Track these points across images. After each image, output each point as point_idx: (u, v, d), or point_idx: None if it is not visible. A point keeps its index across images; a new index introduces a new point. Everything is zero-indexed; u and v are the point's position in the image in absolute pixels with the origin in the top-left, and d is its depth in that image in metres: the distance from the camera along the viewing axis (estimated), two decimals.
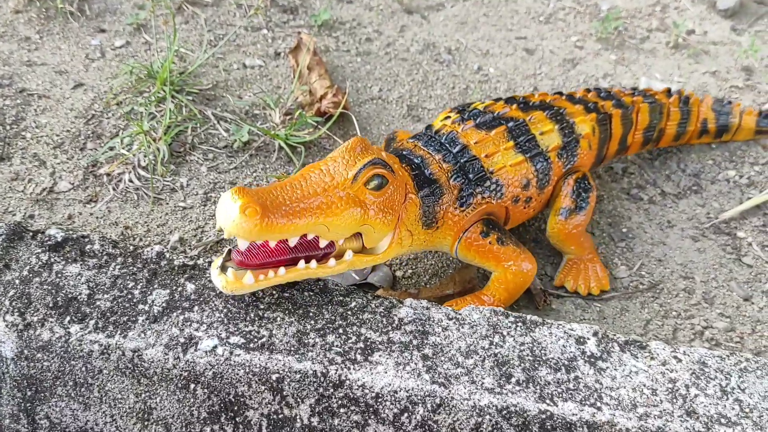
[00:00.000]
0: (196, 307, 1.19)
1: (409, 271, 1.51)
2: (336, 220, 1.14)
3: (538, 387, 1.14)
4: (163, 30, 1.95)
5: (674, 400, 1.14)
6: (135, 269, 1.23)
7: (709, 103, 1.79)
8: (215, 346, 1.14)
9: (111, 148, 1.62)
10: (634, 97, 1.66)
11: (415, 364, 1.16)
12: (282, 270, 1.14)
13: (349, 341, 1.17)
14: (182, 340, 1.14)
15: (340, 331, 1.19)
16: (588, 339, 1.22)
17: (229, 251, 1.17)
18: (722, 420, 1.13)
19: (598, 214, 1.67)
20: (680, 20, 2.24)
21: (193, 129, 1.69)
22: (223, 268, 1.13)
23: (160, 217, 1.52)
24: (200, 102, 1.77)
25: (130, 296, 1.19)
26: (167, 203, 1.55)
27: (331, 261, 1.19)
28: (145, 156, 1.61)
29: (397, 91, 1.93)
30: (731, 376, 1.19)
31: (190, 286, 1.22)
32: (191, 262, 1.25)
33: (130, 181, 1.56)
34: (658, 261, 1.59)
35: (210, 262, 1.24)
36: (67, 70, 1.83)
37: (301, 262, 1.16)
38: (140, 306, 1.18)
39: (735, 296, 1.53)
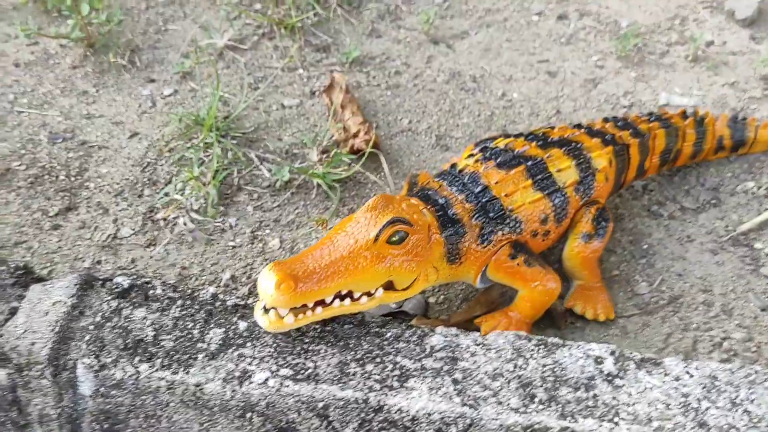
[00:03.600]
0: (248, 343, 1.33)
1: (441, 296, 1.63)
2: (363, 278, 1.29)
3: (559, 406, 1.25)
4: (206, 77, 2.11)
5: (687, 414, 1.24)
6: (193, 310, 1.39)
7: (724, 120, 1.86)
8: (267, 379, 1.28)
9: (166, 194, 1.78)
10: (650, 124, 1.74)
11: (447, 388, 1.28)
12: (319, 309, 1.28)
13: (386, 369, 1.30)
14: (237, 374, 1.29)
15: (378, 360, 1.32)
16: (605, 358, 1.32)
17: None
18: (732, 431, 1.22)
19: (620, 233, 1.76)
20: (699, 32, 2.30)
21: (238, 171, 1.84)
22: (266, 309, 1.28)
23: (213, 257, 1.67)
24: (244, 144, 1.92)
25: (190, 336, 1.34)
26: (218, 243, 1.70)
27: (363, 299, 1.32)
28: (196, 200, 1.76)
29: (426, 122, 2.05)
30: (740, 388, 1.28)
31: (242, 324, 1.36)
32: (242, 302, 1.40)
33: (185, 224, 1.72)
34: (678, 276, 1.68)
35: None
36: (123, 120, 2.00)
37: (336, 301, 1.29)
38: (199, 344, 1.33)
39: (752, 307, 1.61)
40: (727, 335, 1.55)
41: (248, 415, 1.29)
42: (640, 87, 2.16)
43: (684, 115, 1.83)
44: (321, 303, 1.29)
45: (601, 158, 1.59)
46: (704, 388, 1.28)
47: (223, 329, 1.36)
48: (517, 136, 1.63)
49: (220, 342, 1.34)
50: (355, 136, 1.89)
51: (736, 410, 1.25)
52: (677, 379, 1.29)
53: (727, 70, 2.21)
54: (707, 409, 1.25)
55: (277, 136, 1.96)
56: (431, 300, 1.62)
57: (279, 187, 1.82)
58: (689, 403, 1.26)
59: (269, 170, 1.85)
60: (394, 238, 1.31)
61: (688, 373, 1.30)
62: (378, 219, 1.31)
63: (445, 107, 2.10)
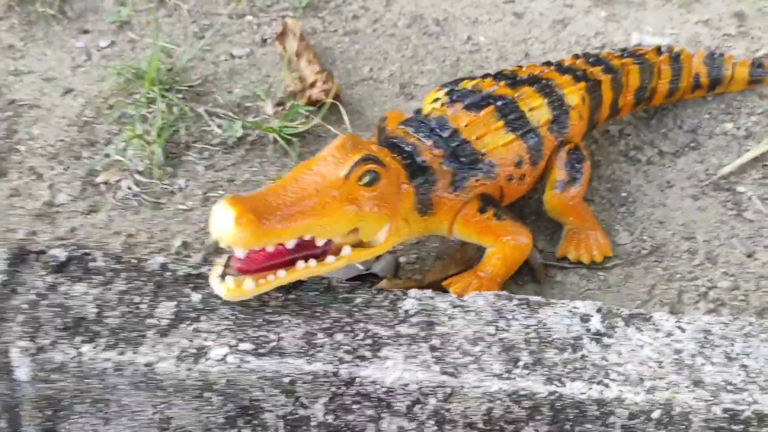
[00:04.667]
0: (203, 317, 1.21)
1: (413, 255, 1.52)
2: (331, 219, 1.16)
3: (546, 369, 1.16)
4: (145, 25, 1.93)
5: (681, 371, 1.16)
6: (140, 283, 1.25)
7: (700, 57, 1.77)
8: (226, 354, 1.16)
9: (106, 156, 1.62)
10: (623, 59, 1.65)
11: (424, 355, 1.18)
12: (282, 272, 1.16)
13: (357, 338, 1.19)
14: (193, 350, 1.16)
15: (348, 328, 1.21)
16: (592, 316, 1.24)
17: (229, 258, 1.18)
18: (729, 387, 1.15)
19: (597, 180, 1.67)
20: None
21: (186, 128, 1.69)
22: (223, 276, 1.15)
23: (162, 223, 1.53)
24: (191, 99, 1.76)
25: (137, 311, 1.21)
26: (167, 207, 1.56)
27: (330, 258, 1.20)
28: (141, 160, 1.61)
29: (388, 69, 1.91)
30: (735, 342, 1.20)
31: (196, 296, 1.23)
32: (195, 272, 1.27)
33: (129, 188, 1.57)
34: (659, 223, 1.59)
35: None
36: (55, 76, 1.82)
37: (300, 263, 1.17)
38: (148, 320, 1.20)
39: (738, 253, 1.54)
40: (713, 284, 1.48)
41: (207, 394, 1.17)
42: (611, 27, 2.05)
43: (659, 51, 1.73)
44: (283, 265, 1.17)
45: (573, 95, 1.50)
46: (698, 343, 1.20)
47: (175, 302, 1.23)
48: (484, 76, 1.52)
49: (172, 316, 1.21)
50: (313, 86, 1.74)
51: (733, 365, 1.17)
52: (669, 334, 1.21)
53: (700, 7, 2.11)
54: (702, 365, 1.17)
55: (227, 89, 1.81)
56: (402, 260, 1.51)
57: (232, 143, 1.68)
58: (683, 360, 1.18)
59: (220, 126, 1.70)
60: (365, 179, 1.19)
61: (679, 328, 1.22)
62: (348, 156, 1.19)
63: (408, 53, 1.96)
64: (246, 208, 1.07)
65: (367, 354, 1.17)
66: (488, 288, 1.37)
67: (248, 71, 1.86)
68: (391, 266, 1.47)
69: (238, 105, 1.77)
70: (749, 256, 1.53)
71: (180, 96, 1.74)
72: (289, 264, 1.18)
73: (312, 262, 1.18)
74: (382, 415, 1.18)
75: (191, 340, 1.18)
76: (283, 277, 1.16)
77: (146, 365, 1.16)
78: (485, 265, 1.40)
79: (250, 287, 1.14)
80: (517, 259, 1.40)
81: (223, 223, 1.07)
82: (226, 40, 1.95)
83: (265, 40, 1.95)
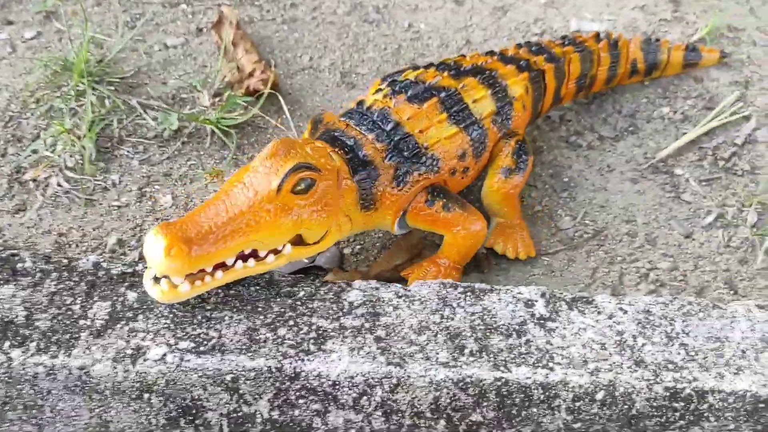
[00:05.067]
0: (140, 316, 1.16)
1: (357, 246, 1.50)
2: (268, 234, 1.13)
3: (491, 355, 1.16)
4: (71, 15, 1.85)
5: (623, 352, 1.18)
6: (72, 283, 1.20)
7: (637, 43, 1.79)
8: (164, 354, 1.12)
9: (34, 151, 1.55)
10: (564, 48, 1.65)
11: (369, 347, 1.16)
12: (219, 273, 1.12)
13: (301, 332, 1.17)
14: (129, 351, 1.12)
15: (291, 323, 1.18)
16: (536, 301, 1.24)
17: None
18: (669, 366, 1.16)
19: (540, 166, 1.68)
20: None
21: (119, 121, 1.63)
22: (157, 278, 1.11)
23: (95, 220, 1.47)
24: (123, 91, 1.70)
25: (70, 312, 1.16)
26: (101, 204, 1.50)
27: (270, 257, 1.17)
28: (71, 156, 1.54)
29: (328, 58, 1.88)
30: (675, 321, 1.22)
31: (131, 295, 1.19)
32: (130, 270, 1.22)
33: (59, 184, 1.50)
34: (600, 207, 1.61)
35: None
36: None
37: (239, 263, 1.14)
38: (82, 321, 1.15)
39: (676, 234, 1.56)
40: (653, 266, 1.50)
41: (146, 396, 1.13)
42: (551, 13, 2.06)
43: (597, 38, 1.74)
44: (222, 266, 1.13)
45: (517, 86, 1.49)
46: (639, 324, 1.21)
47: (109, 302, 1.18)
48: (427, 66, 1.50)
49: (107, 317, 1.16)
50: (251, 75, 1.70)
51: (673, 344, 1.19)
52: (611, 316, 1.22)
53: None
54: (643, 345, 1.19)
55: (162, 80, 1.75)
56: (347, 251, 1.49)
57: (167, 136, 1.62)
58: (625, 341, 1.19)
59: (155, 118, 1.64)
60: (299, 187, 1.15)
61: (621, 309, 1.24)
62: (280, 166, 1.15)
63: (349, 41, 1.93)
64: (175, 238, 1.05)
65: (312, 348, 1.15)
66: (446, 275, 1.37)
67: (183, 61, 1.81)
68: (336, 258, 1.45)
69: (174, 97, 1.71)
70: (687, 236, 1.56)
71: (111, 88, 1.68)
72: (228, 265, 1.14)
73: (251, 261, 1.15)
74: (329, 408, 1.16)
75: (128, 341, 1.13)
76: (220, 278, 1.13)
77: (80, 368, 1.11)
78: (443, 253, 1.39)
79: (185, 290, 1.10)
80: (471, 246, 1.39)
81: (155, 254, 1.05)
82: (160, 29, 1.88)
83: (200, 30, 1.89)
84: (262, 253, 1.15)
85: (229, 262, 1.12)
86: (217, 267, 1.12)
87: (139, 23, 1.87)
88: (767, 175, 1.67)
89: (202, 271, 1.11)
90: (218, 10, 1.88)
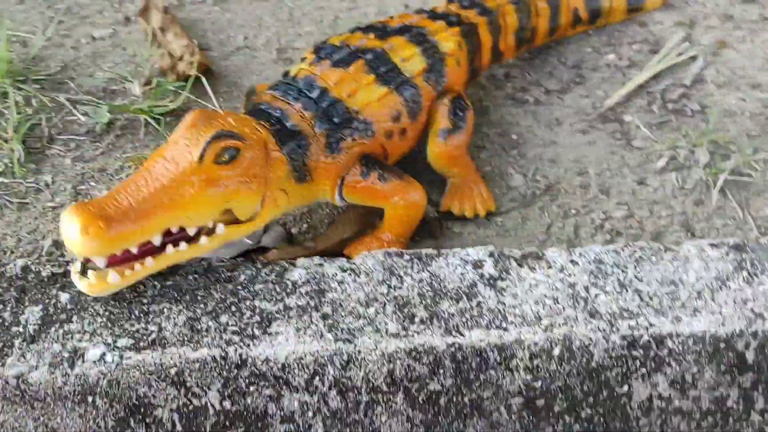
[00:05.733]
0: (74, 317, 1.12)
1: (305, 225, 1.46)
2: (194, 208, 1.08)
3: (442, 321, 1.13)
4: None
5: (576, 305, 1.15)
6: (1, 290, 1.15)
7: None
8: (103, 354, 1.08)
9: None
10: (498, 0, 1.60)
11: (316, 325, 1.12)
12: (150, 260, 1.08)
13: (244, 317, 1.13)
14: (66, 354, 1.08)
15: (233, 308, 1.14)
16: (485, 261, 1.21)
17: None
18: (624, 314, 1.14)
19: (486, 126, 1.64)
20: None
21: (47, 120, 1.56)
22: (84, 271, 1.06)
23: (30, 223, 1.41)
24: (51, 88, 1.63)
25: (0, 320, 1.11)
26: (34, 206, 1.44)
27: (203, 239, 1.12)
28: None
29: (264, 36, 1.83)
30: (627, 268, 1.20)
31: (64, 296, 1.14)
32: (60, 270, 1.17)
33: None
34: (551, 162, 1.58)
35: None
36: None
37: (169, 247, 1.09)
38: (14, 329, 1.10)
39: (629, 182, 1.54)
40: (608, 215, 1.48)
41: (89, 399, 1.09)
42: None
43: None
44: (151, 252, 1.08)
45: (447, 41, 1.45)
46: (590, 274, 1.19)
47: (41, 306, 1.13)
48: (352, 30, 1.45)
49: (40, 321, 1.11)
50: (181, 60, 1.64)
51: (627, 291, 1.17)
52: (562, 269, 1.20)
53: None
54: (596, 296, 1.16)
55: (90, 74, 1.68)
56: (294, 230, 1.44)
57: (100, 131, 1.56)
58: (578, 293, 1.16)
59: (85, 114, 1.58)
60: (223, 157, 1.11)
61: (572, 261, 1.21)
62: (200, 136, 1.10)
63: (284, 17, 1.88)
64: (92, 216, 0.99)
65: (257, 332, 1.11)
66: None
67: (112, 53, 1.74)
68: (282, 237, 1.40)
69: (104, 90, 1.65)
70: (640, 183, 1.54)
71: (37, 86, 1.61)
72: (159, 250, 1.09)
73: (182, 245, 1.10)
74: (282, 392, 1.12)
75: (63, 344, 1.09)
76: (151, 265, 1.08)
77: (17, 377, 1.06)
78: (385, 227, 1.35)
79: (114, 280, 1.06)
80: (413, 217, 1.36)
81: (70, 234, 1.00)
82: (86, 21, 1.82)
83: (128, 18, 1.83)
84: (192, 232, 1.11)
85: (157, 242, 1.07)
86: (146, 253, 1.08)
87: (64, 17, 1.80)
88: (717, 113, 1.64)
89: (131, 259, 1.06)
90: None
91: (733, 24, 1.88)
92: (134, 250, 1.06)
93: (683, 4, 1.91)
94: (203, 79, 1.63)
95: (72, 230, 0.99)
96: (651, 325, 1.13)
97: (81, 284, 1.06)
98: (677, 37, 1.81)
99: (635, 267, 1.19)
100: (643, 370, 1.15)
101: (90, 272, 1.05)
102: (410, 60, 1.37)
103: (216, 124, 1.12)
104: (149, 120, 1.55)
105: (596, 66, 1.77)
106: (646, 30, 1.85)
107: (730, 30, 1.86)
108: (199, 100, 1.62)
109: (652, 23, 1.87)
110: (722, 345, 1.15)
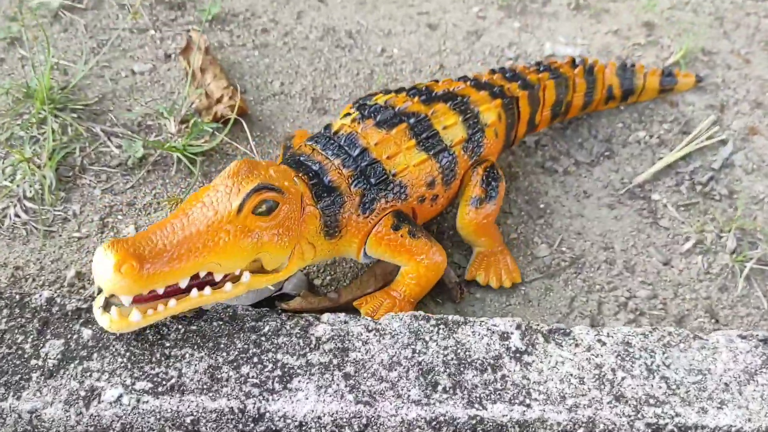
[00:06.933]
0: (95, 355, 1.10)
1: (328, 277, 1.45)
2: (227, 255, 1.08)
3: (465, 392, 1.11)
4: (33, 39, 1.80)
5: (602, 387, 1.13)
6: (24, 320, 1.14)
7: (612, 69, 1.77)
8: (120, 395, 1.06)
9: None
10: (539, 74, 1.62)
11: (337, 385, 1.10)
12: (173, 302, 1.07)
13: (266, 370, 1.11)
14: (83, 393, 1.06)
15: (255, 360, 1.12)
16: (512, 333, 1.19)
17: None
18: (651, 401, 1.12)
19: (515, 192, 1.64)
20: None
21: (81, 149, 1.57)
22: (107, 306, 1.05)
23: (54, 252, 1.41)
24: (87, 118, 1.65)
25: (20, 351, 1.10)
26: (60, 235, 1.44)
27: (227, 285, 1.12)
28: (30, 186, 1.48)
29: (300, 83, 1.84)
30: (655, 353, 1.18)
31: (86, 332, 1.13)
32: (85, 305, 1.16)
33: (17, 215, 1.44)
34: (577, 234, 1.57)
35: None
36: None
37: (194, 291, 1.08)
38: (33, 361, 1.09)
39: (654, 261, 1.53)
40: (632, 294, 1.47)
41: None
42: (525, 37, 2.04)
43: (573, 63, 1.72)
44: (175, 294, 1.07)
45: (489, 112, 1.46)
46: (618, 356, 1.17)
47: (63, 340, 1.12)
48: (398, 91, 1.46)
49: (60, 356, 1.10)
50: (219, 101, 1.66)
51: (654, 377, 1.15)
52: (589, 349, 1.18)
53: (610, 17, 2.13)
54: (623, 379, 1.14)
55: (127, 107, 1.70)
56: (317, 282, 1.44)
57: (132, 165, 1.57)
58: (604, 375, 1.14)
59: (119, 146, 1.59)
60: (261, 209, 1.11)
61: (600, 341, 1.19)
62: (241, 186, 1.10)
63: (321, 66, 1.90)
64: (127, 254, 0.99)
65: (277, 386, 1.09)
66: (401, 308, 1.32)
67: (150, 88, 1.76)
68: (303, 285, 1.39)
69: (139, 124, 1.66)
70: (666, 264, 1.53)
71: (75, 115, 1.62)
72: (183, 292, 1.09)
73: (207, 290, 1.10)
74: None
75: (81, 382, 1.07)
76: (173, 307, 1.07)
77: (30, 412, 1.05)
78: (399, 284, 1.34)
79: (136, 319, 1.04)
80: (431, 279, 1.35)
81: (103, 270, 0.99)
82: (127, 55, 1.84)
83: (168, 55, 1.85)
84: (218, 278, 1.10)
85: (183, 284, 1.07)
86: (170, 294, 1.07)
87: (105, 48, 1.82)
88: (745, 200, 1.65)
89: (156, 298, 1.05)
90: (187, 36, 1.84)
91: (763, 111, 1.89)
92: (160, 291, 1.05)
93: (714, 87, 1.93)
94: (243, 123, 1.63)
95: (105, 266, 0.99)
96: (677, 414, 1.10)
97: (102, 319, 1.05)
98: (708, 120, 1.82)
99: (663, 353, 1.18)
100: None
101: (113, 308, 1.04)
102: (451, 128, 1.38)
103: (258, 175, 1.12)
104: (182, 158, 1.56)
105: (626, 141, 1.78)
106: (677, 110, 1.87)
107: (761, 117, 1.87)
108: (233, 143, 1.62)
109: (683, 104, 1.88)
110: None
